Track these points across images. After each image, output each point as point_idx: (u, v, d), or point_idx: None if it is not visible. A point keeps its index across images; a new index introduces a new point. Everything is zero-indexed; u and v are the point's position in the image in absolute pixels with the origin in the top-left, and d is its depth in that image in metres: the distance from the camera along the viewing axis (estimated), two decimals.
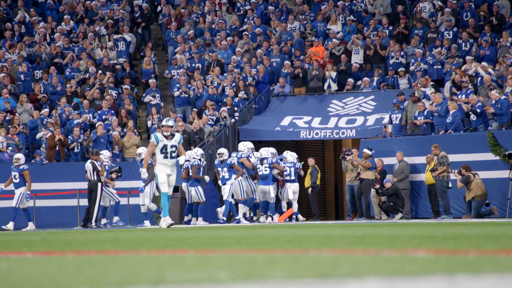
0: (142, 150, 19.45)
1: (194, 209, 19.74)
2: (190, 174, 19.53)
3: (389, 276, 3.44)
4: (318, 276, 3.50)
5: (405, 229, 9.61)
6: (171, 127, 14.72)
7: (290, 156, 20.36)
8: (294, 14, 28.48)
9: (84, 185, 19.85)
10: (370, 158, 20.54)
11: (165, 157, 14.57)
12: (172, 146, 14.60)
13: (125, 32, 28.00)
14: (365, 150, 20.57)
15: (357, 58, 25.99)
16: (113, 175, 19.89)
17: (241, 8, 29.28)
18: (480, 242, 6.00)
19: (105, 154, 19.93)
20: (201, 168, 19.64)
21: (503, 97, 19.82)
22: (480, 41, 24.27)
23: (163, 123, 14.88)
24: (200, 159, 19.63)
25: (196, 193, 19.49)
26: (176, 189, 18.92)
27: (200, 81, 25.32)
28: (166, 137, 14.55)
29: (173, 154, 14.58)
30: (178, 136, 14.75)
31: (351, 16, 27.67)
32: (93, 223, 19.41)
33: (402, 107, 21.75)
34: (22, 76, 25.27)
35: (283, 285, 3.22)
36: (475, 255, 4.56)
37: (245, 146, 19.87)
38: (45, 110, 23.16)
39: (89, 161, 19.25)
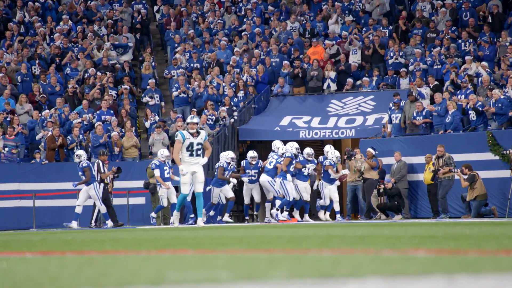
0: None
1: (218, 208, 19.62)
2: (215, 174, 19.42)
3: (389, 276, 3.45)
4: (319, 276, 3.50)
5: (405, 229, 9.61)
6: (197, 123, 14.61)
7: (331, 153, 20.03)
8: (295, 13, 28.45)
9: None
10: (374, 157, 20.54)
11: (191, 155, 14.50)
12: (198, 144, 14.51)
13: (124, 33, 27.98)
14: (370, 150, 20.55)
15: (355, 58, 25.97)
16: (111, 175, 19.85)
17: (243, 8, 29.26)
18: (480, 242, 6.00)
19: (163, 153, 19.10)
20: (229, 171, 19.22)
21: (502, 96, 19.82)
22: (480, 41, 24.26)
23: (188, 120, 14.74)
24: (229, 163, 19.17)
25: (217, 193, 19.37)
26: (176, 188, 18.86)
27: (199, 81, 25.30)
28: (192, 134, 14.48)
29: (199, 152, 14.50)
30: (203, 133, 14.64)
31: (350, 16, 27.64)
32: (93, 223, 19.41)
33: (401, 106, 21.73)
34: (20, 76, 25.19)
35: (283, 285, 3.22)
36: (475, 255, 4.56)
37: (291, 147, 19.23)
38: (46, 112, 23.09)
39: (96, 161, 19.16)
